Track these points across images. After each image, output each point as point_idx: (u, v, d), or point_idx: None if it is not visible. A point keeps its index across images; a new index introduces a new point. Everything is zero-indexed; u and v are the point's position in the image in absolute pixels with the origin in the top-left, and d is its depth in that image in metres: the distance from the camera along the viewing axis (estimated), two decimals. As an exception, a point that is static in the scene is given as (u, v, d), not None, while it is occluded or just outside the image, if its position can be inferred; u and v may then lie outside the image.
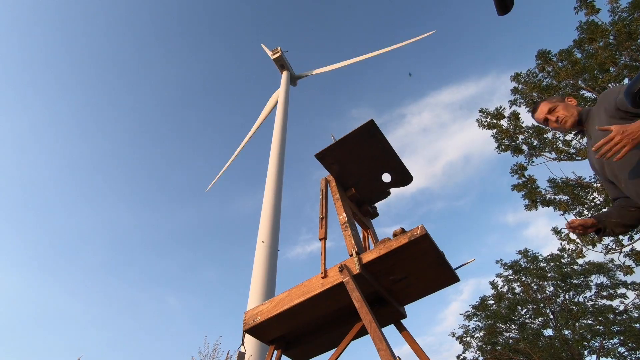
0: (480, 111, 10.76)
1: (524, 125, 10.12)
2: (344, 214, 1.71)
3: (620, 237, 8.81)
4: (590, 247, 8.99)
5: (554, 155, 9.68)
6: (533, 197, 9.68)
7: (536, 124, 9.87)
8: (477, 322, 15.77)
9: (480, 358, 15.09)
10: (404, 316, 1.70)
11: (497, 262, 16.22)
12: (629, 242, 8.74)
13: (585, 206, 9.19)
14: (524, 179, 9.93)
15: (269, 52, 26.37)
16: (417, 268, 1.51)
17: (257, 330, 1.63)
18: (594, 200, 9.18)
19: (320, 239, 1.71)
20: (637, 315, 13.03)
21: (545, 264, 15.20)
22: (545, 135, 9.77)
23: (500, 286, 15.90)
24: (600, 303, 13.81)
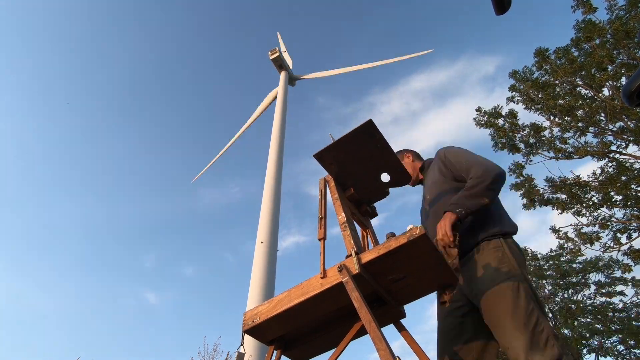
0: (477, 110, 10.78)
1: (521, 123, 10.14)
2: (343, 214, 1.71)
3: (618, 235, 8.84)
4: (588, 245, 9.02)
5: (551, 154, 9.69)
6: (531, 196, 9.69)
7: (533, 121, 9.91)
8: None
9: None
10: (404, 316, 1.70)
11: None
12: (627, 241, 8.76)
13: (584, 205, 9.21)
14: (522, 178, 9.94)
15: (282, 46, 26.36)
16: (417, 268, 1.51)
17: (256, 331, 1.63)
18: (592, 199, 9.20)
19: (320, 239, 1.71)
20: (634, 313, 13.06)
21: (544, 263, 15.23)
22: (542, 134, 9.79)
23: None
24: (598, 302, 13.83)
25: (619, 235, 8.84)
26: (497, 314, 1.52)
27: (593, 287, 13.99)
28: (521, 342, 1.40)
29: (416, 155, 2.39)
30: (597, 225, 9.07)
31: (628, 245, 8.78)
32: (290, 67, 27.35)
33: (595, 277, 14.00)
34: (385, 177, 2.03)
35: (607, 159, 8.90)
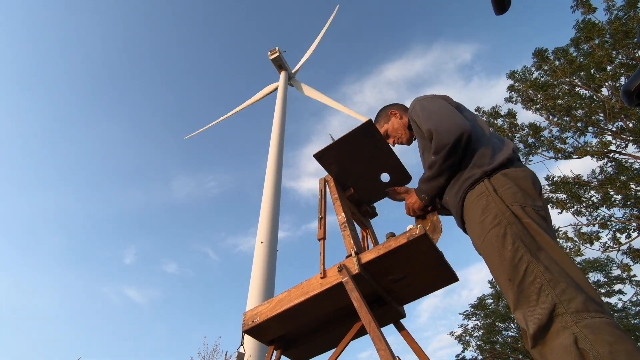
0: (476, 110, 10.80)
1: (520, 123, 10.15)
2: (343, 214, 1.71)
3: (618, 235, 8.84)
4: (588, 245, 9.02)
5: (551, 153, 9.71)
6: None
7: (533, 121, 9.92)
8: (476, 322, 15.81)
9: (480, 357, 15.14)
10: (403, 316, 1.70)
11: None
12: (627, 240, 8.77)
13: (583, 204, 9.22)
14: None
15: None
16: (416, 268, 1.51)
17: (256, 331, 1.63)
18: (592, 199, 9.20)
19: (319, 239, 1.71)
20: (634, 311, 13.06)
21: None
22: (542, 134, 9.81)
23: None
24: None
25: (618, 235, 8.85)
26: (491, 271, 1.35)
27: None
28: (510, 298, 1.23)
29: (403, 110, 2.09)
30: (596, 225, 9.07)
31: (627, 245, 8.79)
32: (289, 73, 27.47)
33: (594, 277, 14.02)
34: (385, 177, 2.03)
35: (606, 159, 8.91)
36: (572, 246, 9.45)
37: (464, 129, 1.51)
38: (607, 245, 9.02)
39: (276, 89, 24.39)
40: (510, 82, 10.49)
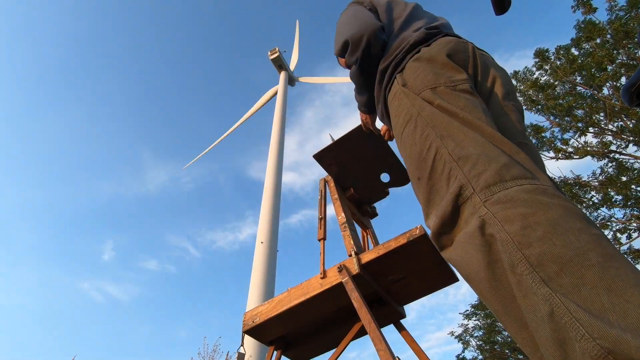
0: None
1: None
2: (343, 214, 1.71)
3: (618, 235, 8.84)
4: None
5: (552, 154, 9.70)
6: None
7: (534, 122, 9.92)
8: (477, 322, 15.80)
9: (480, 357, 15.13)
10: (403, 316, 1.70)
11: None
12: (627, 241, 8.77)
13: (584, 205, 9.21)
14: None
15: (296, 37, 26.38)
16: (416, 268, 1.52)
17: (256, 331, 1.63)
18: (592, 199, 9.20)
19: (319, 240, 1.71)
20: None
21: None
22: (543, 134, 9.81)
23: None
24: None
25: (619, 235, 8.85)
26: (413, 187, 1.04)
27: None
28: (422, 202, 0.93)
29: None
30: (597, 225, 9.07)
31: (628, 245, 8.79)
32: (296, 61, 27.42)
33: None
34: (385, 177, 2.04)
35: (607, 159, 8.91)
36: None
37: (362, 32, 1.24)
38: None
39: (275, 93, 24.35)
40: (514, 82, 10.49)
